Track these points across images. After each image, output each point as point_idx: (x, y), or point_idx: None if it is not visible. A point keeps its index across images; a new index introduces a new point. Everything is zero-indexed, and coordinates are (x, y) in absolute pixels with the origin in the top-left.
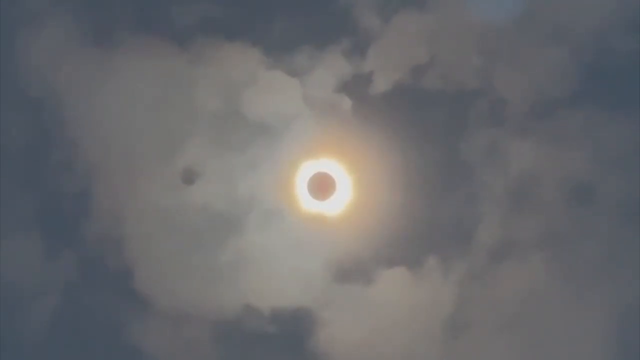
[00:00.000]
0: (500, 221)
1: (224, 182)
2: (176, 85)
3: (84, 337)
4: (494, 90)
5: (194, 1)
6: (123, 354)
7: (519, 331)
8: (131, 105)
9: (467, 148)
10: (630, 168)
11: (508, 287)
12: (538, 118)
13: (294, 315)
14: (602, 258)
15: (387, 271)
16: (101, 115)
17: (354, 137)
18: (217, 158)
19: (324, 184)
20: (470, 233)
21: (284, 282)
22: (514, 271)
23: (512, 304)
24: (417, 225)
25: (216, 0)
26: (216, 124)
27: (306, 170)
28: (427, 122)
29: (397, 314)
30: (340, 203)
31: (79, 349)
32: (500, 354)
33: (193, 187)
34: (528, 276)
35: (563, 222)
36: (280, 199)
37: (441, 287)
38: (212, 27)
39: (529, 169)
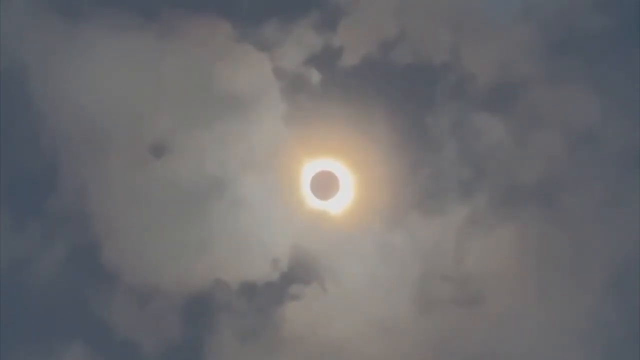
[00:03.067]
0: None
1: (192, 156)
2: (144, 58)
3: (51, 312)
4: (462, 65)
5: None
6: (91, 328)
7: (517, 282)
8: (99, 78)
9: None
10: (596, 145)
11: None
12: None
13: (263, 290)
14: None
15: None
16: (68, 88)
17: (323, 110)
18: (186, 132)
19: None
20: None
21: (252, 257)
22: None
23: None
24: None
25: None
26: (184, 98)
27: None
28: (395, 95)
29: (361, 288)
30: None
31: (47, 324)
32: (500, 303)
33: (162, 162)
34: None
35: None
36: (249, 172)
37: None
38: (181, 0)
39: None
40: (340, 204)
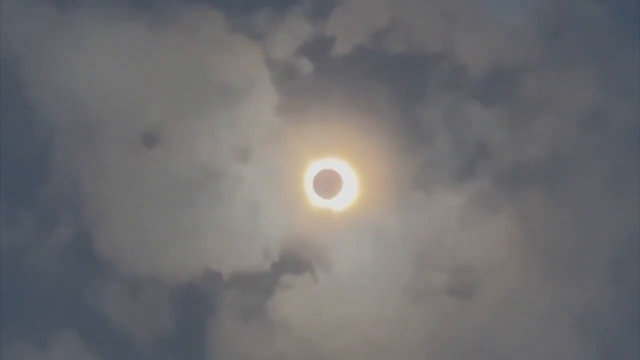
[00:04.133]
0: None
1: (184, 146)
2: (136, 48)
3: (43, 301)
4: (455, 55)
5: None
6: (82, 318)
7: (513, 271)
8: (91, 68)
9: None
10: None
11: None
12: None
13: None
14: None
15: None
16: (60, 78)
17: (314, 100)
18: (178, 122)
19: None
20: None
21: (244, 247)
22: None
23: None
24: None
25: None
26: (176, 87)
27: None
28: (388, 85)
29: (351, 282)
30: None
31: (38, 313)
32: (497, 293)
33: (154, 151)
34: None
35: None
36: (241, 161)
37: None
38: None
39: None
40: (338, 196)
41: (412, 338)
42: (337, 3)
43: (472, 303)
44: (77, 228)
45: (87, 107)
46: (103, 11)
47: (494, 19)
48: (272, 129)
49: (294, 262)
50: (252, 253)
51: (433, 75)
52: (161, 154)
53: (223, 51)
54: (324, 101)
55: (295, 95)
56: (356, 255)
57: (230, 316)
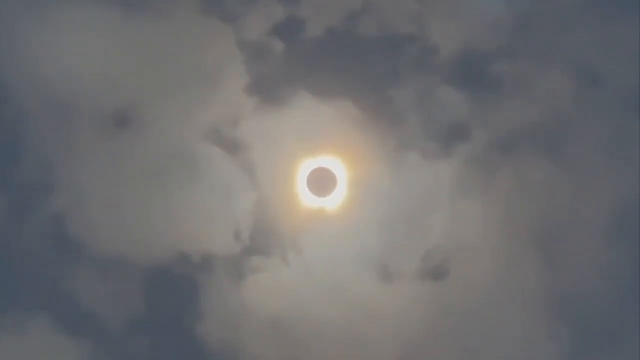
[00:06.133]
0: None
1: (156, 128)
2: (108, 29)
3: (15, 283)
4: (427, 37)
5: None
6: (55, 300)
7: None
8: (62, 49)
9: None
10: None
11: None
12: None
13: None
14: None
15: None
16: (31, 58)
17: (286, 81)
18: (150, 103)
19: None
20: None
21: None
22: None
23: None
24: None
25: None
26: (148, 69)
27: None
28: (360, 67)
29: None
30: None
31: (10, 295)
32: (465, 279)
33: (126, 133)
34: None
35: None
36: (213, 144)
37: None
38: None
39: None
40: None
41: (386, 322)
42: None
43: (446, 286)
44: (49, 210)
45: (59, 89)
46: None
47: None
48: (244, 110)
49: (265, 245)
50: (223, 236)
51: (405, 57)
52: (134, 135)
53: (195, 33)
54: (295, 83)
55: (266, 77)
56: (326, 238)
57: (202, 298)
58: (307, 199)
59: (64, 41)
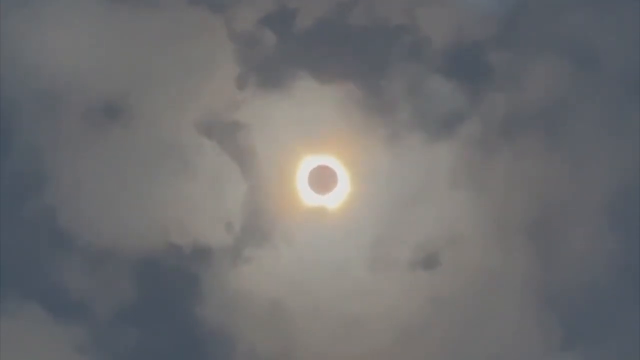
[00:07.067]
0: None
1: (147, 119)
2: (98, 21)
3: (3, 273)
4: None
5: None
6: (44, 290)
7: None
8: (52, 39)
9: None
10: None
11: None
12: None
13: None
14: None
15: None
16: (20, 49)
17: (277, 72)
18: (141, 94)
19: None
20: None
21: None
22: None
23: None
24: None
25: None
26: (138, 61)
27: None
28: (351, 58)
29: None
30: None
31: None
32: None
33: (116, 124)
34: None
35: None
36: (203, 135)
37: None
38: None
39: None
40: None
41: (379, 311)
42: None
43: (438, 275)
44: (39, 201)
45: (48, 79)
46: None
47: None
48: (234, 101)
49: (257, 237)
50: (214, 227)
51: (397, 48)
52: (125, 127)
53: (185, 24)
54: (287, 73)
55: (257, 68)
56: (319, 229)
57: (191, 288)
58: (303, 194)
59: (52, 32)
